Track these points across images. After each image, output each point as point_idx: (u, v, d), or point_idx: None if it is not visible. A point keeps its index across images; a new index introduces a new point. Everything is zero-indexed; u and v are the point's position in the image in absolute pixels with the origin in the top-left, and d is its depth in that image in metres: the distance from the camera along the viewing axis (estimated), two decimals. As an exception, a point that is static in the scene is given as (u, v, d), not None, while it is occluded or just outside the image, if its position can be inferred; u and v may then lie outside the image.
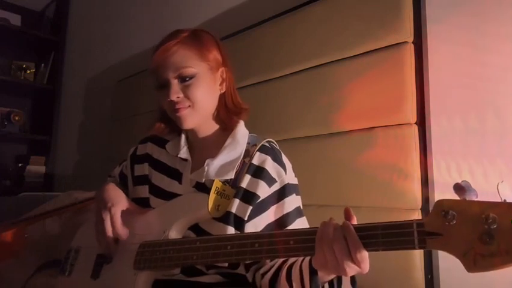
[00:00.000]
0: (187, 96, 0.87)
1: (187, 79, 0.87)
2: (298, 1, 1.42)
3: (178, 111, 0.88)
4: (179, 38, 0.89)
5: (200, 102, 0.89)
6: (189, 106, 0.88)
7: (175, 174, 0.94)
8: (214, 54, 0.92)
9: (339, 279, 0.70)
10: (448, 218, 0.54)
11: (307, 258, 0.72)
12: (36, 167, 2.96)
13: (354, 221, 0.63)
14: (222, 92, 0.94)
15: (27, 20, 3.21)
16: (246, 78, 1.50)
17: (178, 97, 0.87)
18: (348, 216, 0.64)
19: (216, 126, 0.96)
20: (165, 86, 0.88)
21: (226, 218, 0.84)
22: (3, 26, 2.88)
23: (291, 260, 0.80)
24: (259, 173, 0.88)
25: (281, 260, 0.82)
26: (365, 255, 0.60)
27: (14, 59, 3.09)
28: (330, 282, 0.71)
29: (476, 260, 0.51)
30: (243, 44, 1.56)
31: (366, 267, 0.61)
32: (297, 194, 0.91)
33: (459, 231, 0.53)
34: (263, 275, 0.84)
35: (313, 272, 0.70)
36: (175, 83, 0.87)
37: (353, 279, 0.70)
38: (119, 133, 2.25)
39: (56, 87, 3.06)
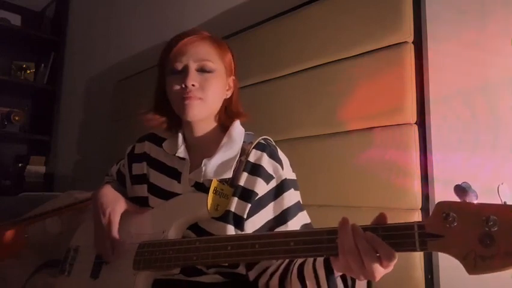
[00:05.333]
0: (202, 87, 0.88)
1: (207, 71, 0.89)
2: (299, 1, 1.41)
3: (188, 99, 0.87)
4: (202, 34, 0.92)
5: (211, 98, 0.90)
6: (200, 98, 0.88)
7: (174, 174, 0.94)
8: (230, 60, 0.95)
9: (353, 278, 0.70)
10: (448, 220, 0.54)
11: (320, 258, 0.71)
12: (36, 167, 2.96)
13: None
14: (227, 97, 0.96)
15: (27, 20, 3.21)
16: (246, 78, 1.50)
17: (193, 85, 0.87)
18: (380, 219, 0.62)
19: (213, 126, 0.96)
20: (181, 72, 0.88)
21: (225, 217, 0.84)
22: (3, 26, 2.89)
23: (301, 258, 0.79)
24: (255, 170, 0.88)
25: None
26: (395, 259, 0.58)
27: (14, 59, 3.09)
28: (343, 278, 0.70)
29: (477, 262, 0.51)
30: (243, 44, 1.56)
31: (391, 267, 0.60)
32: (295, 189, 0.90)
33: (460, 233, 0.53)
34: (272, 274, 0.83)
35: (330, 271, 0.69)
36: (194, 71, 0.88)
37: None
38: (119, 133, 2.24)
39: (56, 87, 3.06)
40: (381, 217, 0.62)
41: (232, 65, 0.97)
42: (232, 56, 0.98)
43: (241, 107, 0.99)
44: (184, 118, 0.91)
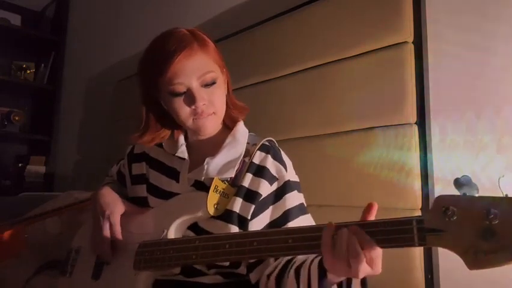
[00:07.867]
0: (210, 102, 0.86)
1: (210, 84, 0.86)
2: (299, 1, 1.42)
3: (202, 119, 0.86)
4: (188, 39, 0.85)
5: (222, 107, 0.90)
6: (213, 113, 0.87)
7: (173, 173, 0.94)
8: (218, 54, 0.91)
9: (349, 282, 0.69)
10: (448, 214, 0.53)
11: (316, 260, 0.71)
12: (36, 167, 2.96)
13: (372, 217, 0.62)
14: (226, 93, 0.94)
15: (27, 20, 3.21)
16: (246, 78, 1.50)
17: (204, 104, 0.85)
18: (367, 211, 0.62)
19: (219, 128, 0.96)
20: (184, 93, 0.85)
21: (228, 217, 0.84)
22: (3, 26, 2.89)
23: (299, 259, 0.78)
24: (260, 171, 0.87)
25: (286, 258, 0.81)
26: (379, 257, 0.59)
27: (14, 59, 3.09)
28: (339, 284, 0.70)
29: (477, 256, 0.49)
30: (244, 44, 1.56)
31: (379, 268, 0.60)
32: (298, 191, 0.90)
33: (460, 228, 0.52)
34: (269, 276, 0.83)
35: (322, 275, 0.69)
36: (200, 89, 0.85)
37: (363, 281, 0.68)
38: (119, 133, 2.24)
39: (56, 87, 3.06)
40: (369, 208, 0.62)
41: (219, 56, 0.91)
42: (215, 45, 0.91)
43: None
44: (201, 135, 0.92)
